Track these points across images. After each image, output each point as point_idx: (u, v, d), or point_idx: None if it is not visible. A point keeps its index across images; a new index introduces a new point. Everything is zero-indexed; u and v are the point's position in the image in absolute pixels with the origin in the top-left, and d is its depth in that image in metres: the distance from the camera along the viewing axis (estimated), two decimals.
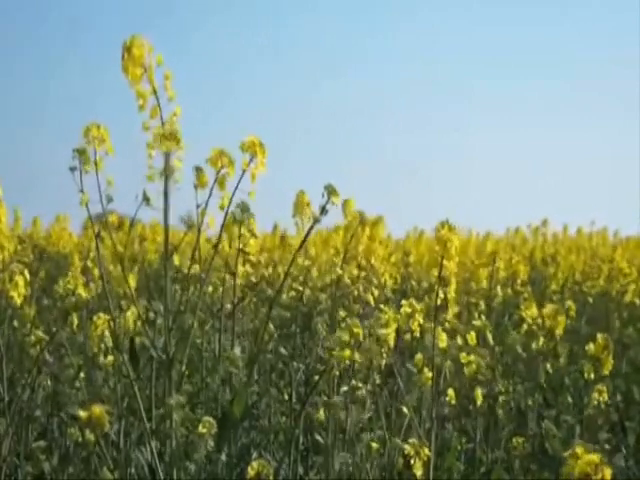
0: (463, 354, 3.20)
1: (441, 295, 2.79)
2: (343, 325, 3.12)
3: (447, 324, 2.88)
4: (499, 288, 5.82)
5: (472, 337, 3.25)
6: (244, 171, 2.69)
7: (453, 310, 2.85)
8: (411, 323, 2.97)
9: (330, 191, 2.78)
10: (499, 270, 5.71)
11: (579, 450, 2.11)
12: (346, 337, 3.04)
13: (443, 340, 2.86)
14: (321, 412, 3.36)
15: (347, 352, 3.03)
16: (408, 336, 3.62)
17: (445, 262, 2.81)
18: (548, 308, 4.15)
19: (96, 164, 2.64)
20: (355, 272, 3.88)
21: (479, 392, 3.54)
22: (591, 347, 3.68)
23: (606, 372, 3.66)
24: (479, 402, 3.59)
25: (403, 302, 3.04)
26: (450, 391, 3.10)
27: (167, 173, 2.58)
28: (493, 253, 5.61)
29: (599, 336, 3.70)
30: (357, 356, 3.06)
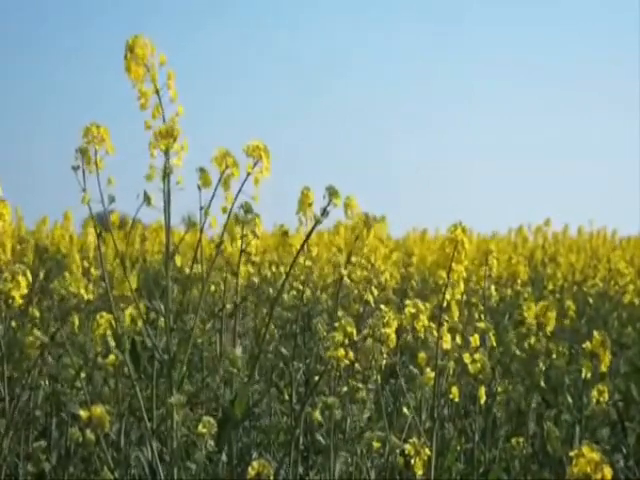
0: (467, 354, 3.20)
1: (447, 297, 2.79)
2: (337, 325, 3.13)
3: (446, 324, 2.88)
4: (493, 288, 5.82)
5: (475, 339, 3.25)
6: (248, 174, 2.69)
7: (456, 312, 2.85)
8: (416, 323, 2.97)
9: (331, 192, 2.77)
10: (492, 269, 5.70)
11: (586, 450, 2.11)
12: (340, 337, 3.04)
13: (447, 341, 2.86)
14: (317, 413, 3.36)
15: (341, 352, 3.03)
16: (409, 336, 3.62)
17: (454, 265, 2.81)
18: (539, 305, 4.16)
19: (97, 164, 2.64)
20: (357, 272, 3.88)
21: (483, 391, 3.55)
22: (588, 344, 3.68)
23: (604, 369, 3.66)
24: (482, 401, 3.59)
25: (407, 302, 3.04)
26: (454, 389, 3.10)
27: (167, 172, 2.58)
28: (486, 252, 5.60)
29: (596, 333, 3.70)
30: (352, 356, 3.06)
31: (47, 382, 3.99)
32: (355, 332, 3.06)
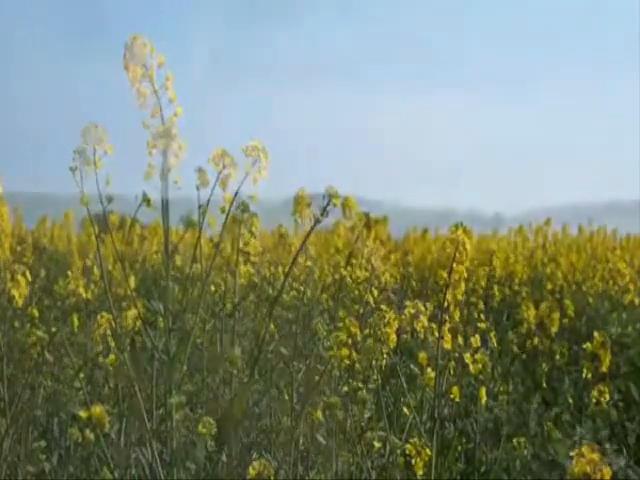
0: (467, 354, 3.20)
1: (448, 297, 2.79)
2: (340, 325, 3.13)
3: (447, 324, 2.88)
4: (495, 288, 5.82)
5: (476, 339, 3.25)
6: (247, 174, 2.69)
7: (457, 313, 2.85)
8: (416, 324, 2.97)
9: (331, 193, 2.78)
10: (495, 269, 5.70)
11: (586, 450, 2.11)
12: (343, 337, 3.04)
13: (448, 341, 2.86)
14: (319, 412, 3.36)
15: (345, 351, 3.04)
16: (407, 336, 3.62)
17: (455, 265, 2.81)
18: (543, 306, 4.15)
19: (95, 164, 2.65)
20: (357, 272, 3.88)
21: (483, 391, 3.55)
22: (588, 345, 3.68)
23: (605, 369, 3.66)
24: (483, 401, 3.60)
25: (407, 303, 3.04)
26: (455, 389, 3.10)
27: (165, 171, 2.58)
28: (490, 252, 5.60)
29: (596, 333, 3.70)
30: (355, 356, 3.06)
31: (48, 382, 3.99)
32: (358, 332, 3.06)
